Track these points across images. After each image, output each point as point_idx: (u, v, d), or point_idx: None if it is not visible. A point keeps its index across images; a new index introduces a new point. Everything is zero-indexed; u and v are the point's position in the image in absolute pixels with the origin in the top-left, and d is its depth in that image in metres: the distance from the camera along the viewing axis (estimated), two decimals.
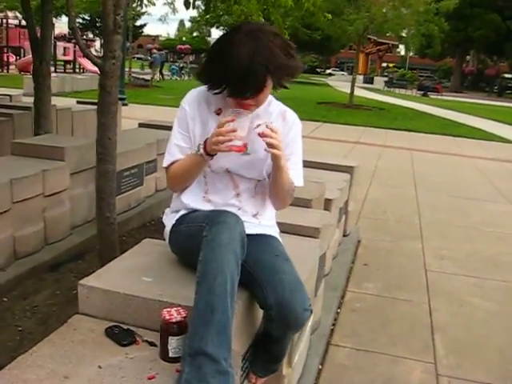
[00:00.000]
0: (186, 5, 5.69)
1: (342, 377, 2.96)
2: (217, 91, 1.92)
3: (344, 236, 4.99)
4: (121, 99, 15.04)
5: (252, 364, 2.12)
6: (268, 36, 1.86)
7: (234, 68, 1.79)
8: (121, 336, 1.77)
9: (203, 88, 2.06)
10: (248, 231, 1.90)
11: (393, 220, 6.27)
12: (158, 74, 27.62)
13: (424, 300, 4.07)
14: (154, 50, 29.50)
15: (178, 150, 2.05)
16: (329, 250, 3.62)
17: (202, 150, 1.90)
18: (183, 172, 2.06)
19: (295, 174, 2.10)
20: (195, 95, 2.08)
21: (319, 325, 3.32)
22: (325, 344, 3.24)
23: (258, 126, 1.99)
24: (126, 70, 22.59)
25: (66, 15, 24.73)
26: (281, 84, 1.96)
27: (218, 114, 2.02)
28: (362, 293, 4.11)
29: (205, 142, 1.89)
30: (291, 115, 2.14)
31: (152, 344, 1.75)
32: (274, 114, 2.08)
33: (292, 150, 2.10)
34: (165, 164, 2.09)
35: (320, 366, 3.01)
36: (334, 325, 3.53)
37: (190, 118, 2.04)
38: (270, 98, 2.08)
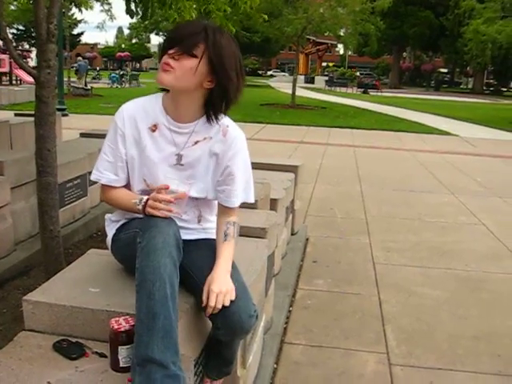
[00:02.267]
0: (130, 13, 5.60)
1: (297, 374, 2.98)
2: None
3: (292, 235, 5.04)
4: (61, 109, 14.83)
5: (205, 367, 2.11)
6: (228, 38, 1.94)
7: (176, 29, 1.87)
8: (69, 349, 1.74)
9: (143, 98, 2.05)
10: (190, 237, 1.89)
11: (340, 216, 6.37)
12: (84, 81, 27.13)
13: (373, 292, 4.15)
14: (79, 58, 28.96)
15: (106, 165, 2.03)
16: (277, 249, 3.65)
17: (140, 207, 1.89)
18: (117, 205, 2.07)
19: (243, 194, 2.08)
20: (130, 108, 2.02)
21: (272, 324, 3.34)
22: (278, 343, 3.26)
23: (196, 142, 1.99)
24: (65, 79, 22.15)
25: None
26: (222, 94, 1.93)
27: (153, 131, 1.98)
28: (312, 290, 4.16)
29: (147, 200, 1.88)
30: (232, 132, 2.04)
31: (102, 355, 1.73)
32: (215, 130, 2.01)
33: (235, 170, 2.02)
34: (93, 178, 2.06)
35: (275, 365, 3.03)
36: (286, 323, 3.56)
37: (120, 137, 2.00)
38: (208, 112, 1.99)
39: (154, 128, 1.99)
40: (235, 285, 1.88)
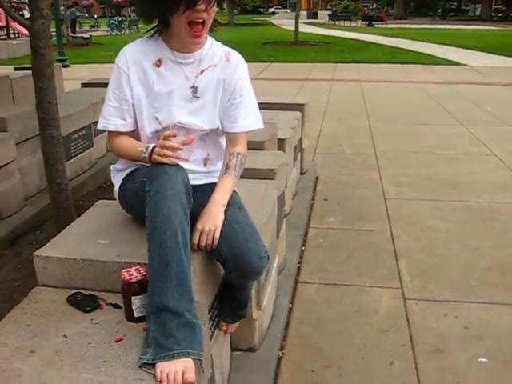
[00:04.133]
0: None
1: (313, 313, 3.00)
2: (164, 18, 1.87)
3: (301, 174, 5.00)
4: (61, 60, 14.65)
5: (220, 312, 2.12)
6: None
7: None
8: (83, 302, 1.74)
9: (139, 41, 2.00)
10: (197, 182, 1.87)
11: (349, 153, 6.31)
12: (69, 32, 26.54)
13: (385, 228, 4.14)
14: (62, 7, 28.41)
15: (112, 111, 1.98)
16: (287, 189, 3.62)
17: (147, 155, 1.85)
18: (125, 155, 2.03)
19: (250, 119, 2.07)
20: (131, 49, 1.98)
21: (285, 264, 3.35)
22: (293, 282, 3.27)
23: (203, 71, 1.96)
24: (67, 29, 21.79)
25: None
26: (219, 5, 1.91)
27: (158, 66, 1.95)
28: (324, 228, 4.15)
29: (153, 148, 1.83)
30: (235, 56, 2.07)
31: (116, 306, 1.73)
32: (218, 56, 2.02)
33: (241, 92, 2.04)
34: (99, 126, 2.02)
35: (290, 305, 3.05)
36: (299, 263, 3.57)
37: (124, 79, 1.95)
38: (211, 40, 2.03)
39: (158, 63, 1.95)
40: (245, 225, 1.87)
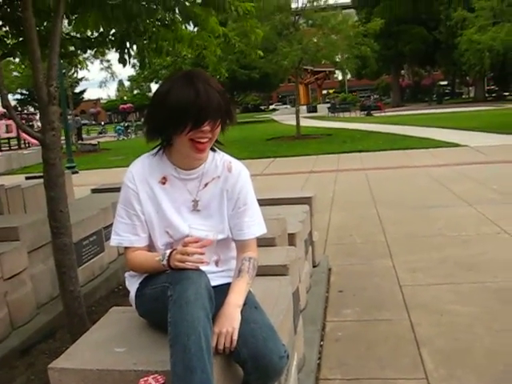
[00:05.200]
0: (122, 62, 5.67)
1: None
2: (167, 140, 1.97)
3: (314, 267, 4.97)
4: (70, 167, 15.00)
5: None
6: (217, 83, 1.95)
7: (197, 99, 1.84)
8: None
9: (144, 158, 2.07)
10: (211, 283, 1.85)
11: (359, 242, 6.29)
12: (75, 140, 27.43)
13: (404, 316, 4.05)
14: (69, 117, 29.55)
15: (124, 227, 2.04)
16: (301, 284, 3.59)
17: (165, 262, 1.88)
18: (143, 269, 2.05)
19: (256, 225, 2.12)
20: (137, 167, 2.06)
21: (304, 361, 3.26)
22: (314, 380, 3.17)
23: (207, 184, 2.02)
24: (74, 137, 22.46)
25: None
26: (223, 127, 2.01)
27: (163, 184, 2.03)
28: (341, 321, 4.07)
29: (170, 253, 1.87)
30: (236, 166, 2.14)
31: None
32: (220, 168, 2.09)
33: (245, 201, 2.10)
34: (112, 243, 2.07)
35: None
36: (319, 358, 3.47)
37: (134, 197, 2.02)
38: (213, 152, 2.10)
39: (163, 181, 2.02)
40: (263, 325, 1.85)
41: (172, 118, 1.88)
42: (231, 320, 1.82)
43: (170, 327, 1.68)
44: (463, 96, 67.38)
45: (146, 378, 1.64)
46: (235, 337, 1.79)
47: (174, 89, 1.90)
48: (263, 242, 2.60)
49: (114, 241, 2.06)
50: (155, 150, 2.07)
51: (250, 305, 1.95)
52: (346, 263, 5.49)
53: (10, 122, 27.59)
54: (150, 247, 2.07)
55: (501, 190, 8.64)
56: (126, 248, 2.06)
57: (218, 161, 2.09)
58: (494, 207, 7.45)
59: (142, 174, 2.03)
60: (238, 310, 1.86)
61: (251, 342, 1.79)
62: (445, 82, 69.16)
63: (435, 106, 51.41)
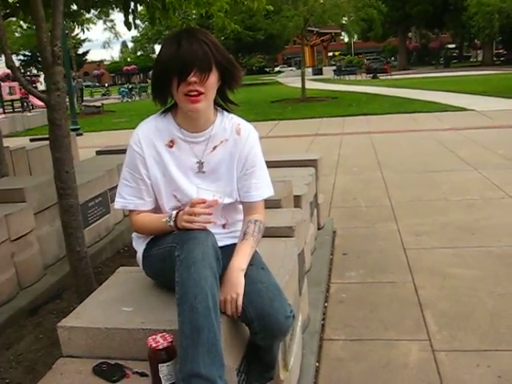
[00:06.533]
0: (128, 25, 5.60)
1: (340, 370, 2.94)
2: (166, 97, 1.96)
3: (319, 229, 4.98)
4: (75, 129, 14.96)
5: (248, 375, 2.08)
6: (208, 35, 1.92)
7: (178, 52, 1.83)
8: (110, 372, 1.72)
9: (151, 120, 2.05)
10: (218, 244, 1.86)
11: (364, 205, 6.30)
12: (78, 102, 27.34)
13: (408, 279, 4.08)
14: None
15: (129, 190, 2.03)
16: (306, 246, 3.60)
17: (172, 223, 1.88)
18: (149, 231, 2.06)
19: (263, 187, 2.11)
20: (144, 130, 2.03)
21: (309, 322, 3.30)
22: (318, 340, 3.21)
23: (215, 147, 2.00)
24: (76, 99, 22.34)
25: None
26: (229, 84, 2.00)
27: (171, 147, 2.00)
28: (346, 283, 4.11)
29: (176, 214, 1.87)
30: (245, 128, 2.11)
31: (143, 374, 1.70)
32: (229, 131, 2.06)
33: (253, 163, 2.09)
34: (117, 206, 2.07)
35: (317, 363, 2.99)
36: (323, 319, 3.51)
37: (140, 161, 2.00)
38: (222, 115, 2.07)
39: (171, 144, 2.00)
40: (269, 285, 1.86)
41: (161, 73, 1.88)
42: (235, 286, 1.82)
43: (177, 287, 1.70)
44: (471, 59, 66.48)
45: (154, 336, 1.66)
46: (240, 302, 1.80)
47: (162, 46, 1.91)
48: (269, 204, 2.60)
49: (118, 203, 2.06)
50: (163, 112, 2.05)
51: (256, 265, 1.96)
52: (351, 226, 5.51)
53: (13, 84, 27.45)
54: (156, 210, 2.07)
55: (506, 155, 8.60)
56: (130, 211, 2.06)
57: (226, 123, 2.06)
58: (500, 172, 7.43)
59: (148, 136, 2.00)
60: (242, 274, 1.87)
61: (257, 301, 1.80)
62: (453, 45, 68.17)
63: (442, 69, 50.81)
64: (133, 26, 5.65)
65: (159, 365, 1.62)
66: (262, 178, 2.11)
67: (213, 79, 1.89)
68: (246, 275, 1.88)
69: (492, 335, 3.18)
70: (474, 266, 4.24)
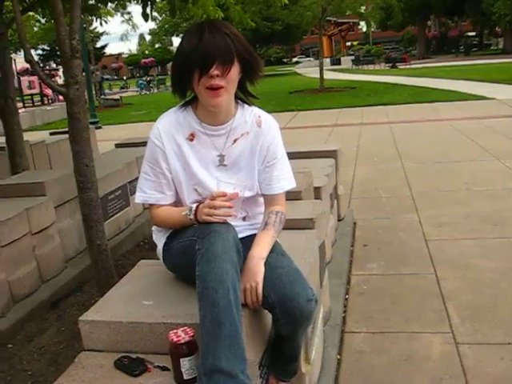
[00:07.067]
0: (145, 17, 5.59)
1: (362, 363, 2.91)
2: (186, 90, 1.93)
3: (339, 220, 4.95)
4: (93, 123, 15.04)
5: (270, 368, 2.07)
6: (230, 27, 1.89)
7: (200, 44, 1.80)
8: (131, 366, 1.72)
9: (171, 113, 2.03)
10: (239, 235, 1.85)
11: (384, 196, 6.24)
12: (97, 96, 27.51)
13: (430, 270, 4.03)
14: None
15: (150, 184, 2.02)
16: (327, 237, 3.58)
17: (192, 216, 1.87)
18: (169, 224, 2.05)
19: (285, 179, 2.09)
20: (164, 123, 2.01)
21: (330, 314, 3.28)
22: (339, 333, 3.19)
23: (235, 140, 1.98)
24: (94, 92, 22.47)
25: None
26: (250, 77, 1.97)
27: (191, 140, 1.98)
28: (366, 274, 4.07)
29: (196, 207, 1.86)
30: (266, 120, 2.08)
31: (164, 369, 1.70)
32: (249, 123, 2.04)
33: (274, 155, 2.06)
34: (137, 200, 2.06)
35: (338, 356, 2.97)
36: (344, 312, 3.49)
37: (160, 155, 1.98)
38: (242, 108, 2.05)
39: (191, 137, 1.98)
40: (289, 269, 1.85)
41: (182, 66, 1.86)
42: (254, 274, 1.81)
43: (198, 281, 1.68)
44: (491, 47, 65.49)
45: (175, 331, 1.65)
46: (260, 291, 1.78)
47: (184, 38, 1.89)
48: (289, 196, 2.58)
49: (139, 198, 2.05)
50: (183, 105, 2.02)
51: (276, 252, 1.94)
52: (371, 217, 5.47)
53: (33, 78, 27.64)
54: (177, 204, 2.06)
55: None
56: (151, 205, 2.05)
57: (247, 116, 2.04)
58: None
59: (168, 130, 1.98)
60: (262, 263, 1.85)
61: (278, 286, 1.78)
62: (473, 33, 67.19)
63: (462, 57, 50.11)
64: (150, 17, 5.64)
65: (181, 359, 1.61)
66: (283, 170, 2.09)
67: (234, 72, 1.86)
68: (265, 262, 1.86)
69: None
70: (496, 257, 4.18)
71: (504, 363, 2.79)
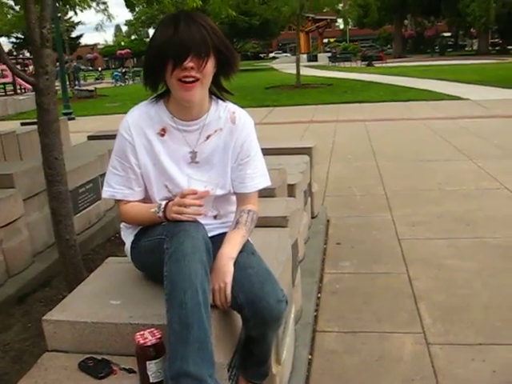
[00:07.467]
0: (131, 6, 5.49)
1: (333, 363, 2.89)
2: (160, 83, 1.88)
3: (312, 218, 4.93)
4: (67, 114, 14.82)
5: (240, 370, 2.02)
6: (206, 19, 1.83)
7: (175, 35, 1.74)
8: (96, 368, 1.66)
9: (144, 105, 1.96)
10: (209, 234, 1.80)
11: (358, 194, 6.24)
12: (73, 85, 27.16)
13: (402, 270, 4.03)
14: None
15: (118, 179, 1.95)
16: (300, 235, 3.55)
17: (161, 214, 1.81)
18: (138, 221, 1.98)
19: (259, 177, 2.04)
20: (134, 116, 1.94)
21: (302, 313, 3.25)
22: (311, 332, 3.16)
23: (208, 137, 1.93)
24: (68, 83, 22.14)
25: None
26: (225, 71, 1.92)
27: (162, 136, 1.92)
28: (339, 273, 4.06)
29: (166, 204, 1.80)
30: (241, 117, 2.02)
31: (131, 371, 1.65)
32: (223, 119, 1.98)
33: (248, 152, 2.01)
34: (104, 195, 1.99)
35: (310, 356, 2.94)
36: (316, 310, 3.46)
37: (129, 149, 1.92)
38: (216, 103, 1.99)
39: (162, 132, 1.92)
40: (259, 269, 1.81)
41: (155, 57, 1.80)
42: (223, 274, 1.76)
43: (166, 281, 1.63)
44: (466, 48, 66.38)
45: (142, 332, 1.60)
46: (228, 292, 1.73)
47: (158, 28, 1.82)
48: (263, 193, 2.53)
49: (106, 193, 1.98)
50: (154, 98, 1.96)
51: (246, 251, 1.89)
52: (345, 215, 5.46)
53: (5, 66, 27.15)
54: (145, 200, 1.99)
55: (502, 145, 8.56)
56: (118, 201, 1.99)
57: (221, 112, 1.98)
58: (495, 162, 7.39)
59: (138, 124, 1.92)
60: (231, 263, 1.80)
61: (247, 286, 1.74)
62: (448, 34, 67.97)
63: (437, 57, 50.67)
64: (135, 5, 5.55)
65: (147, 362, 1.56)
66: (257, 167, 2.04)
67: (210, 66, 1.81)
68: (235, 262, 1.82)
69: (487, 329, 3.13)
70: (469, 257, 4.20)
71: (475, 364, 2.79)
